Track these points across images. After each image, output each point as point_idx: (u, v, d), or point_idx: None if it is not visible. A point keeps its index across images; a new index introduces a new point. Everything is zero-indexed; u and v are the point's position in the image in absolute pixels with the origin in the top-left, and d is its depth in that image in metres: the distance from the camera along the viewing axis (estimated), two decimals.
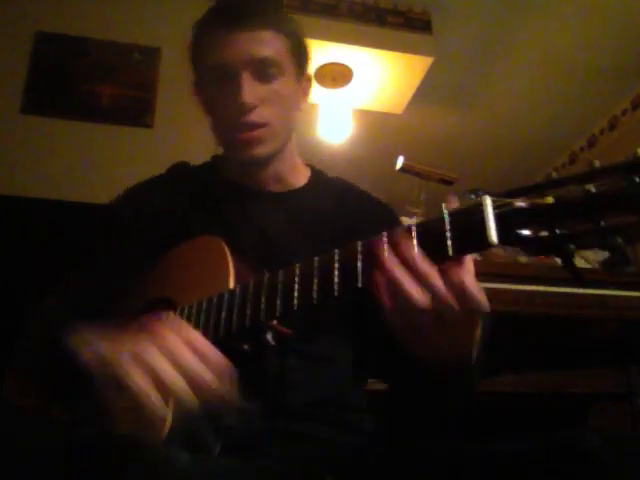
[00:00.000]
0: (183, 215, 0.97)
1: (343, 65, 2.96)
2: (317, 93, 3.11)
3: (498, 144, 3.75)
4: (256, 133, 0.91)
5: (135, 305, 0.85)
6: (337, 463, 0.75)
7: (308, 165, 1.10)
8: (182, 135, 2.33)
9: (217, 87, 0.93)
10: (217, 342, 0.66)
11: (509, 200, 0.54)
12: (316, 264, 0.65)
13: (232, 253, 0.77)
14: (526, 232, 0.53)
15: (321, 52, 2.86)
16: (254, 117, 0.91)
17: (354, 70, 2.99)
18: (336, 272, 0.62)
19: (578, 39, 2.99)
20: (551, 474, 0.60)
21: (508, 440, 0.65)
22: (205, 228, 0.90)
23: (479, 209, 0.54)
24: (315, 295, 0.63)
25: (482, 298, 0.56)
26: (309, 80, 1.05)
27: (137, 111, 2.44)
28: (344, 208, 1.00)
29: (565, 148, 3.83)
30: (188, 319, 0.73)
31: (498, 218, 0.53)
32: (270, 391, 0.78)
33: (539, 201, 0.52)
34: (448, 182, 2.38)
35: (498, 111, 3.51)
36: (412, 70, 2.97)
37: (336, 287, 0.62)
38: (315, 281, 0.64)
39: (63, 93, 2.40)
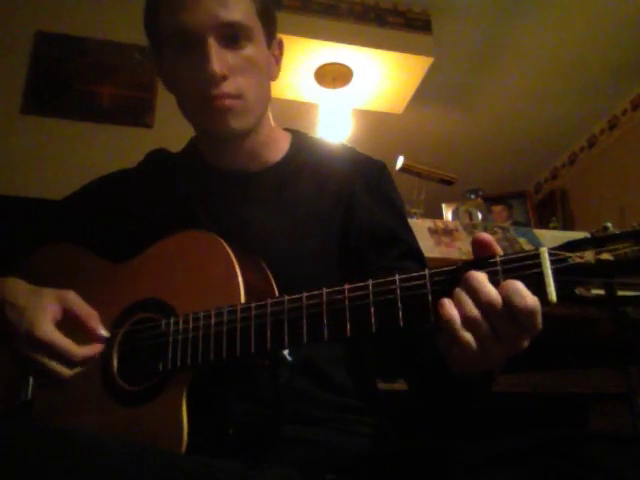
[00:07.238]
0: (156, 205, 0.94)
1: (343, 65, 2.96)
2: (317, 93, 3.12)
3: (498, 144, 3.75)
4: (229, 102, 0.83)
5: (115, 298, 0.81)
6: (338, 466, 0.75)
7: (289, 131, 1.02)
8: (182, 135, 2.31)
9: (180, 57, 0.85)
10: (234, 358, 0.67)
11: (565, 254, 0.51)
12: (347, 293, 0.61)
13: (235, 255, 0.73)
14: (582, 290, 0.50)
15: (321, 52, 2.87)
16: (226, 88, 0.82)
17: (354, 70, 2.99)
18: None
19: (578, 39, 2.98)
20: (551, 474, 0.60)
21: (508, 440, 0.65)
22: (178, 217, 0.88)
23: (536, 262, 0.51)
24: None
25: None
26: (280, 46, 0.96)
27: (137, 111, 2.45)
28: (320, 188, 0.93)
29: (565, 148, 3.82)
30: (195, 329, 0.70)
31: (556, 274, 0.50)
32: (277, 398, 0.76)
33: (595, 257, 0.49)
34: (448, 182, 2.38)
35: (498, 111, 3.51)
36: (412, 70, 2.97)
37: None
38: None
39: (63, 93, 2.40)
